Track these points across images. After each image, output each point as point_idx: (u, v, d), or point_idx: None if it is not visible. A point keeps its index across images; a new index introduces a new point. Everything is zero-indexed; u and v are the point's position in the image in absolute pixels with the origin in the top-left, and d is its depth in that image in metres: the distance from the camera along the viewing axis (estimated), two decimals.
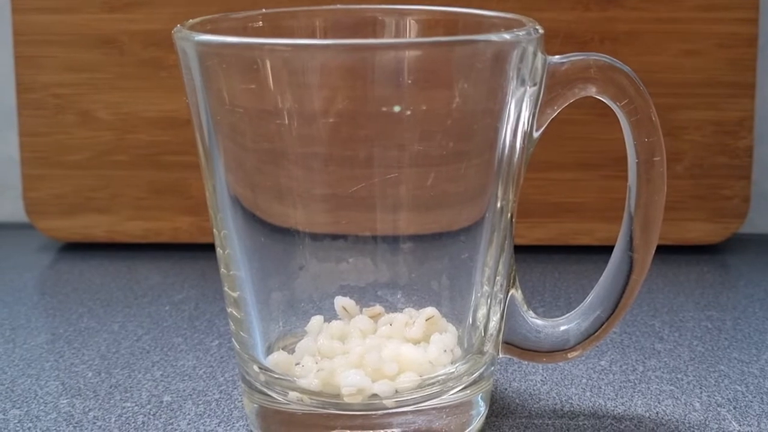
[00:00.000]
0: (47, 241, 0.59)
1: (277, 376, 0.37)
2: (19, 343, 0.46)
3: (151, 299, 0.51)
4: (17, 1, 0.56)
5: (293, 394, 0.36)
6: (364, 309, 0.38)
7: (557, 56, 0.36)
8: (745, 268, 0.55)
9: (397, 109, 0.33)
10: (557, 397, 0.41)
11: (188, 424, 0.39)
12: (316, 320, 0.38)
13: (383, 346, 0.37)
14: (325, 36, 0.40)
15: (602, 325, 0.38)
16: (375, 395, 0.36)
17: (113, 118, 0.57)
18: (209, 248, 0.57)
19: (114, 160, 0.57)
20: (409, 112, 0.34)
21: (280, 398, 0.37)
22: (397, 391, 0.36)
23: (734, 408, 0.40)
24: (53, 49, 0.56)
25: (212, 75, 0.34)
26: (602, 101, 0.37)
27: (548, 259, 0.56)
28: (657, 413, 0.40)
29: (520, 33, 0.34)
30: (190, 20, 0.37)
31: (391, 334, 0.38)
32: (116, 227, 0.58)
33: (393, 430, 0.36)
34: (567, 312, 0.39)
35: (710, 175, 0.56)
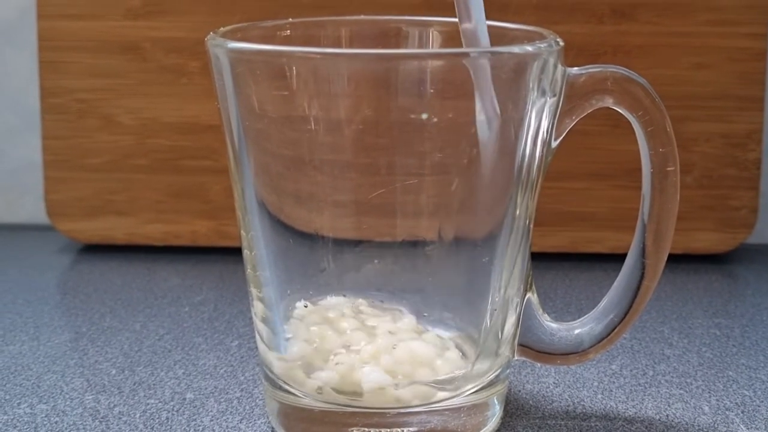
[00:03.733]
0: (68, 243, 0.60)
1: None
2: (44, 341, 0.47)
3: (170, 300, 0.52)
4: (42, 8, 0.57)
5: (312, 383, 0.37)
6: (382, 311, 0.39)
7: (576, 68, 0.37)
8: (753, 278, 0.56)
9: (424, 116, 0.34)
10: (570, 399, 0.42)
11: (211, 420, 0.40)
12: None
13: (401, 346, 0.38)
14: (350, 45, 0.41)
15: (615, 328, 0.39)
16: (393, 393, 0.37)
17: (135, 123, 0.58)
18: (227, 252, 0.58)
19: (134, 164, 0.58)
20: (433, 121, 0.35)
21: (300, 395, 0.38)
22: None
23: (742, 412, 0.41)
24: (77, 54, 0.57)
25: (243, 81, 0.35)
26: (616, 113, 0.38)
27: (560, 266, 0.57)
28: (667, 416, 0.40)
29: (542, 45, 0.35)
30: (222, 28, 0.38)
31: (409, 335, 0.39)
32: (136, 230, 0.59)
33: (409, 428, 0.37)
34: (578, 317, 0.40)
35: (719, 186, 0.57)
